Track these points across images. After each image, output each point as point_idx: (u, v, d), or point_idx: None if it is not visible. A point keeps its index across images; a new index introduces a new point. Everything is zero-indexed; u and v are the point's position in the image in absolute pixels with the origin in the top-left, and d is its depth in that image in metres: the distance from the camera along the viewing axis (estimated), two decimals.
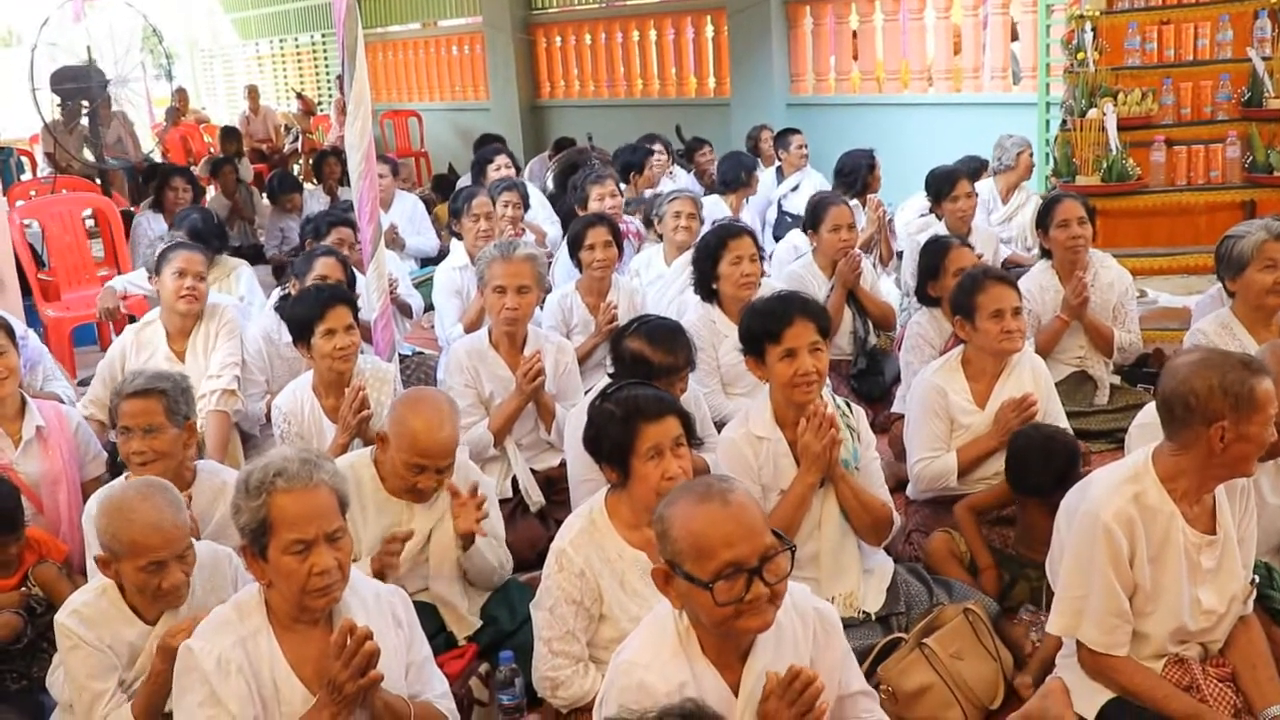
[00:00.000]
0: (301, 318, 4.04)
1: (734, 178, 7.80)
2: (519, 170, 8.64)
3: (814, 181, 8.01)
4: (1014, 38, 9.10)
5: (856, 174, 6.99)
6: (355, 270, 5.40)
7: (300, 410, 4.06)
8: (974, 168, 7.25)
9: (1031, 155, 7.18)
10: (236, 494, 2.43)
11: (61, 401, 4.38)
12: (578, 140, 9.90)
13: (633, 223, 6.76)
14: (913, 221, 6.74)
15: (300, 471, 2.40)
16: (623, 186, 7.04)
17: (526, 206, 6.82)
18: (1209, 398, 2.57)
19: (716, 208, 7.19)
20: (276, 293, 5.17)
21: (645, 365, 3.52)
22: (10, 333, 3.95)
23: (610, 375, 3.65)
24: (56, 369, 4.99)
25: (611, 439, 2.82)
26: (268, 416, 4.67)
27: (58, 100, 8.61)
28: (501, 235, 6.03)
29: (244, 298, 5.67)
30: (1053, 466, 3.45)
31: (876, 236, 6.50)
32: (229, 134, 12.43)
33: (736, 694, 2.16)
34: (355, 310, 4.14)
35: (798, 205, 7.31)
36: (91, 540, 3.22)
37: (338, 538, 2.41)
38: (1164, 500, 2.67)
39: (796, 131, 8.47)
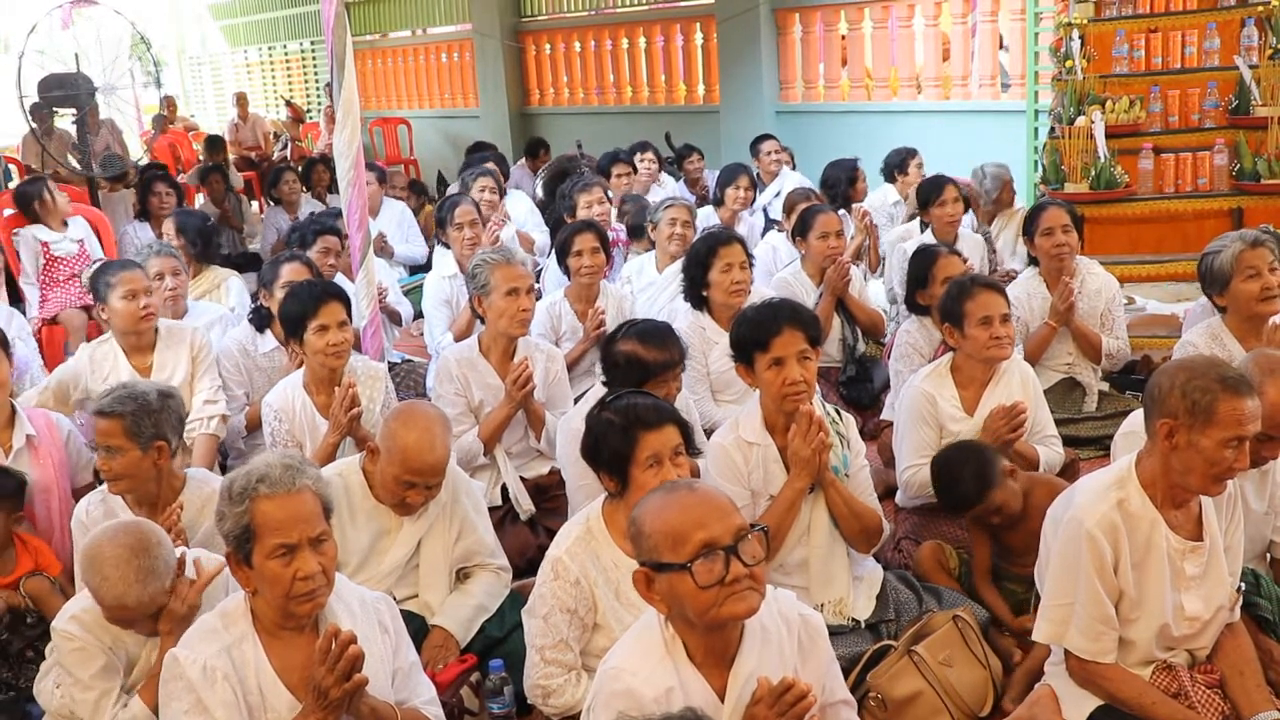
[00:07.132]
0: (294, 313, 3.99)
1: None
2: (506, 177, 8.63)
3: (793, 183, 7.72)
4: (1002, 45, 9.14)
5: (838, 186, 7.01)
6: (344, 276, 5.39)
7: (291, 407, 4.04)
8: (901, 159, 7.31)
9: (1012, 182, 7.10)
10: (220, 501, 2.43)
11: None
12: (548, 145, 9.95)
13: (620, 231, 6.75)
14: (894, 230, 6.75)
15: (283, 477, 2.40)
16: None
17: (503, 194, 6.87)
18: (1169, 394, 2.58)
19: (709, 221, 6.97)
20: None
21: (640, 366, 3.50)
22: (4, 343, 3.94)
23: (604, 384, 3.63)
24: (43, 376, 4.97)
25: (611, 448, 2.80)
26: (248, 429, 4.66)
27: (29, 106, 8.51)
28: (486, 224, 6.07)
29: (234, 309, 5.63)
30: (975, 472, 3.44)
31: (866, 244, 6.54)
32: (213, 143, 12.38)
33: (722, 699, 2.16)
34: (348, 306, 4.09)
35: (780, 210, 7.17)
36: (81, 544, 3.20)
37: (322, 542, 2.41)
38: (1146, 506, 2.68)
39: (769, 137, 8.42)
